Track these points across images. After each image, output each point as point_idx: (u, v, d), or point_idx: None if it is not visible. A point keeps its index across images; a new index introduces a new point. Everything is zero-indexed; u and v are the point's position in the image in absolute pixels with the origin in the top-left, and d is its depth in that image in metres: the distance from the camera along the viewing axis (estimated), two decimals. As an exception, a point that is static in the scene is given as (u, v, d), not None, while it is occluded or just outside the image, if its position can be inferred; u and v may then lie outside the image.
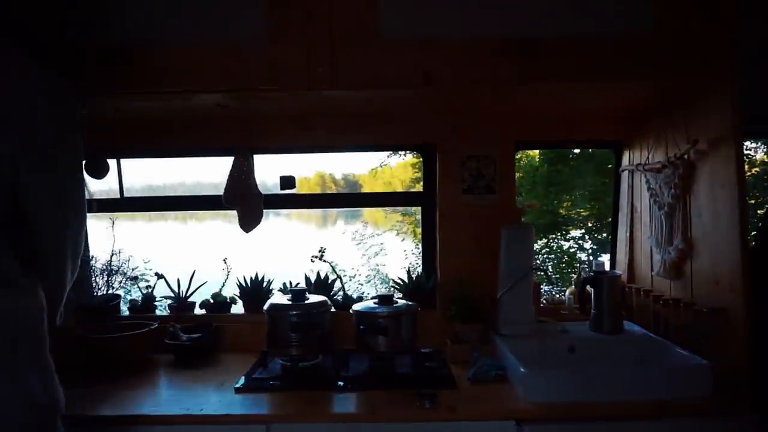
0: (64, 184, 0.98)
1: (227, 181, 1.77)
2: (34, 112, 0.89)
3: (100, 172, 1.83)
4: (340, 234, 5.06)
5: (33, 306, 0.93)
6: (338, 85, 1.40)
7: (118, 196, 1.92)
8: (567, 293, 1.89)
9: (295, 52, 1.39)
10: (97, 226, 1.98)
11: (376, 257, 4.98)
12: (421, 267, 1.97)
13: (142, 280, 2.03)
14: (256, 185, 1.79)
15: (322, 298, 1.64)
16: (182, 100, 1.52)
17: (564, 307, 1.84)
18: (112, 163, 1.83)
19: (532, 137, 1.89)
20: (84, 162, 1.80)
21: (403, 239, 5.37)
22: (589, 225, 4.74)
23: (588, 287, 1.69)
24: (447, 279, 1.80)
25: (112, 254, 1.98)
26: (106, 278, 1.96)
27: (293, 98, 1.53)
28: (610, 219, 2.10)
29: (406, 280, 1.88)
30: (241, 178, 1.77)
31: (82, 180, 1.06)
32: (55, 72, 0.93)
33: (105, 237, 2.02)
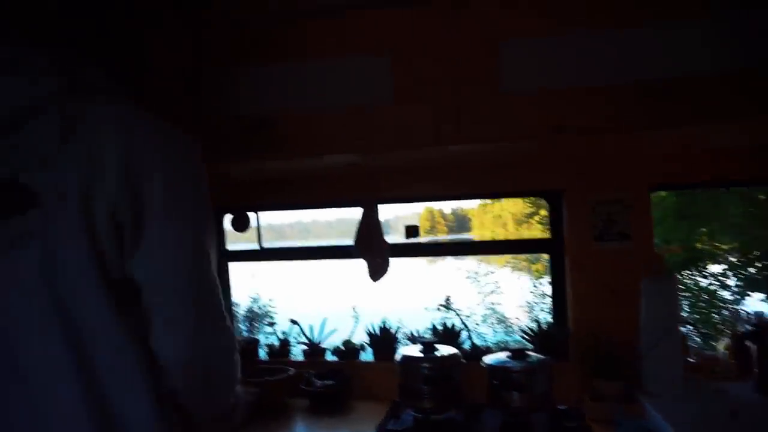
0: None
1: (356, 232, 1.85)
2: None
3: (243, 226, 2.02)
4: (455, 270, 5.04)
5: None
6: (464, 139, 1.43)
7: (258, 248, 2.09)
8: (720, 348, 1.71)
9: (421, 111, 1.44)
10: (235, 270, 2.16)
11: (492, 295, 4.88)
12: (544, 309, 1.90)
13: (267, 317, 2.16)
14: (383, 235, 1.86)
15: (453, 350, 1.64)
16: (314, 160, 1.63)
17: (718, 364, 1.67)
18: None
19: (668, 179, 1.77)
20: (231, 218, 2.02)
21: (519, 276, 5.22)
22: (733, 260, 4.28)
23: (748, 342, 1.52)
24: (580, 330, 1.71)
25: (253, 300, 2.15)
26: (247, 323, 2.13)
27: (418, 151, 1.58)
28: (759, 253, 1.88)
29: (535, 329, 1.82)
30: (370, 230, 1.84)
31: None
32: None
33: (244, 281, 2.21)
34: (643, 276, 1.61)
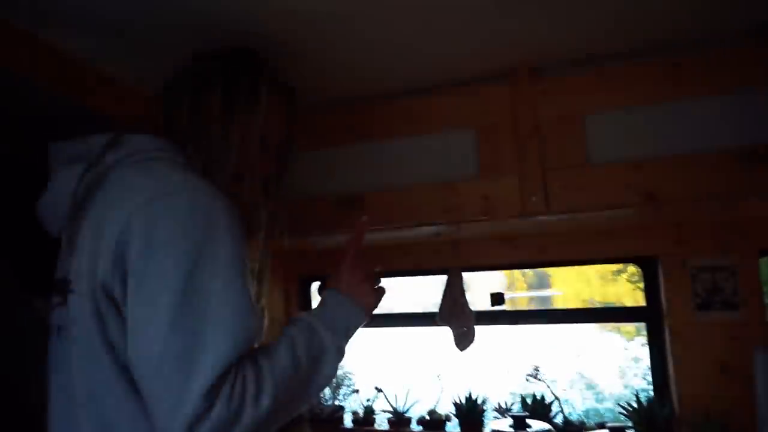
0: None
1: (441, 301, 1.85)
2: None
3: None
4: (540, 330, 4.86)
5: None
6: (552, 211, 1.42)
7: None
8: None
9: (507, 184, 1.45)
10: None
11: (579, 357, 4.63)
12: (637, 374, 1.78)
13: (351, 384, 2.17)
14: (468, 304, 1.85)
15: (545, 426, 1.58)
16: (402, 231, 1.67)
17: None
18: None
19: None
20: (318, 286, 2.09)
21: (608, 337, 4.92)
22: None
23: None
24: (687, 409, 1.58)
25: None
26: (331, 389, 2.15)
27: (504, 221, 1.58)
28: None
29: (634, 405, 1.70)
30: (455, 298, 1.84)
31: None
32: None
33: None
34: (756, 349, 1.48)
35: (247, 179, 1.00)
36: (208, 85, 1.00)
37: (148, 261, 0.74)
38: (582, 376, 4.27)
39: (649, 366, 1.76)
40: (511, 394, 1.89)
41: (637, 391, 1.81)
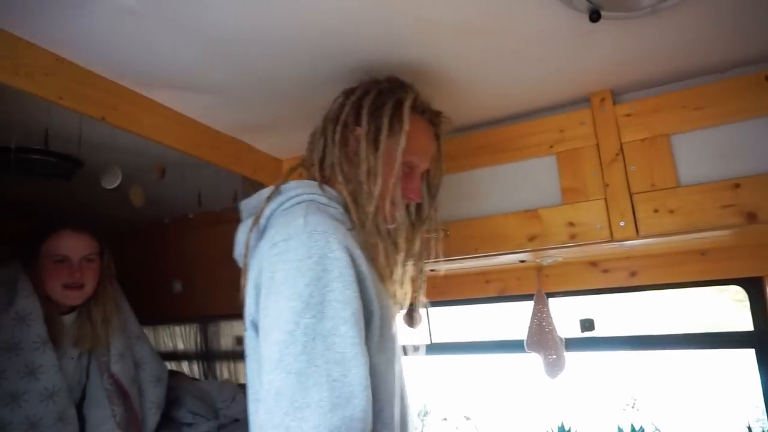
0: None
1: (529, 327, 1.83)
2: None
3: (414, 322, 2.11)
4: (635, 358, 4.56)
5: None
6: (642, 235, 1.38)
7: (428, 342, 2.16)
8: None
9: (592, 210, 1.44)
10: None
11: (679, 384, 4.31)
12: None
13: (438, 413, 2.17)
14: (555, 330, 1.81)
15: (647, 459, 1.51)
16: (488, 259, 1.68)
17: None
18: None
19: None
20: (403, 314, 2.14)
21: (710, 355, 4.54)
22: None
23: None
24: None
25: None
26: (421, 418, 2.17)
27: (591, 246, 1.56)
28: None
29: (747, 438, 1.59)
30: (542, 325, 1.82)
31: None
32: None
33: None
34: None
35: (396, 204, 1.05)
36: (356, 117, 1.08)
37: (268, 301, 0.82)
38: (684, 404, 3.96)
39: (763, 394, 1.64)
40: (607, 424, 1.82)
41: (749, 425, 1.68)
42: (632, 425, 1.74)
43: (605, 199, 1.42)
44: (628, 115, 1.43)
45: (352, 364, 0.77)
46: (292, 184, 1.02)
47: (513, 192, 1.55)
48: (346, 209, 1.02)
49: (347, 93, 1.16)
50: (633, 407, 1.75)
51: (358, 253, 0.89)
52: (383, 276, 1.00)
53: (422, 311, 2.11)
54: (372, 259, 0.97)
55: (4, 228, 2.32)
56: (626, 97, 1.50)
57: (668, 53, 1.30)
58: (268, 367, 0.78)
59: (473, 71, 1.32)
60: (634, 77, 1.42)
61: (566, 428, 1.80)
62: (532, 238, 1.50)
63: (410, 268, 1.16)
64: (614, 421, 1.78)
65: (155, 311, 2.49)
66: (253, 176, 1.78)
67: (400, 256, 1.09)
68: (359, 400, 0.75)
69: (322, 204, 0.98)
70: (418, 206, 1.23)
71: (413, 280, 1.17)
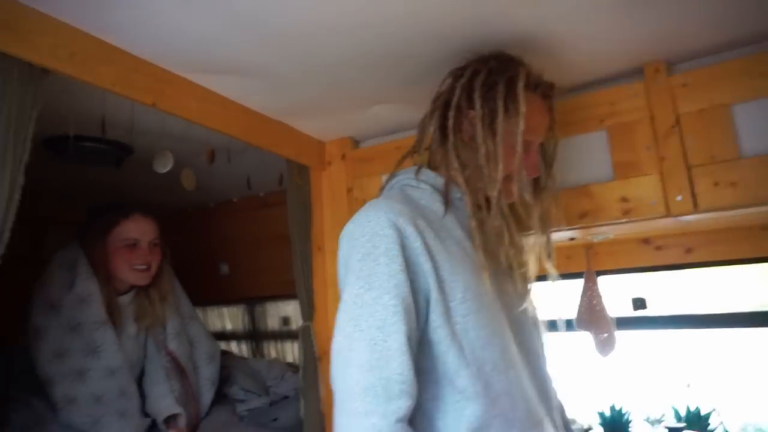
0: None
1: (579, 306, 1.80)
2: None
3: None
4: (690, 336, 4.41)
5: None
6: (702, 209, 1.33)
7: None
8: None
9: (647, 185, 1.38)
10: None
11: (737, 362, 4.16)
12: None
13: None
14: (605, 309, 1.77)
15: (705, 440, 1.47)
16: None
17: None
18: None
19: None
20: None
21: None
22: None
23: None
24: None
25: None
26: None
27: (645, 222, 1.50)
28: None
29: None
30: (592, 303, 1.78)
31: None
32: None
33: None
34: None
35: (516, 180, 1.06)
36: (469, 100, 1.07)
37: (342, 276, 0.95)
38: (741, 385, 3.82)
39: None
40: (661, 404, 1.77)
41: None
42: (687, 407, 1.69)
43: (661, 173, 1.37)
44: (685, 85, 1.37)
45: (392, 329, 0.85)
46: (398, 173, 1.11)
47: (563, 168, 1.50)
48: (446, 191, 1.05)
49: (455, 75, 1.14)
50: (688, 387, 1.70)
51: (432, 234, 0.94)
52: (508, 256, 1.06)
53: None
54: (482, 241, 1.01)
55: (61, 214, 2.43)
56: (681, 67, 1.43)
57: (726, 19, 1.23)
58: (335, 330, 0.90)
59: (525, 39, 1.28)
60: (691, 45, 1.35)
61: (618, 407, 1.77)
62: (583, 215, 1.46)
63: (535, 239, 1.15)
64: (668, 401, 1.73)
65: (204, 293, 2.57)
66: (297, 159, 1.79)
67: (524, 231, 1.12)
68: (397, 364, 0.83)
69: (411, 187, 1.06)
70: (539, 178, 1.20)
71: (540, 252, 1.16)
